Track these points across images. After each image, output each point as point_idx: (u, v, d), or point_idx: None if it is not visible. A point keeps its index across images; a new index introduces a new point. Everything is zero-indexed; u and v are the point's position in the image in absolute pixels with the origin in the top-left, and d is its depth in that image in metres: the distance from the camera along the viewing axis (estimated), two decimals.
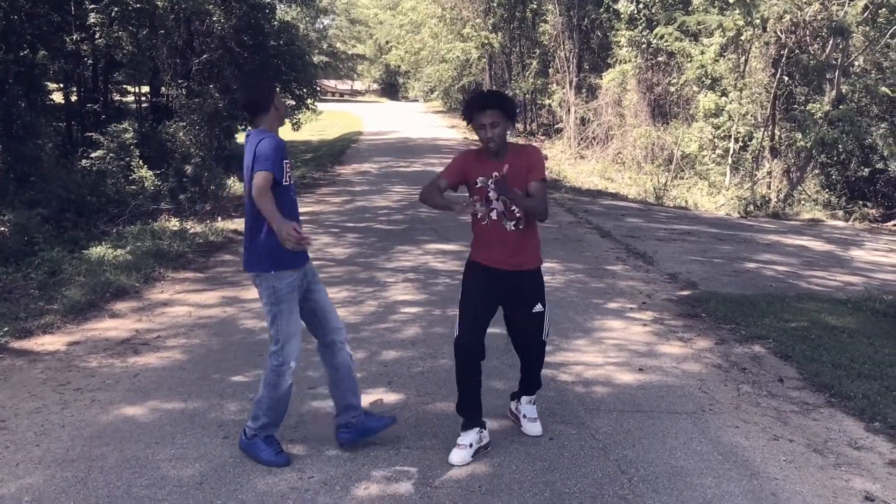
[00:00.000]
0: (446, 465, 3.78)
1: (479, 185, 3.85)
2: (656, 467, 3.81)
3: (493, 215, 3.86)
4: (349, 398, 3.90)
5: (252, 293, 6.59)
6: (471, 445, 3.86)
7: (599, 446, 4.03)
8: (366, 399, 4.43)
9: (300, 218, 3.85)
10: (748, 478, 3.72)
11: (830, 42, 17.05)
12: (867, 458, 4.00)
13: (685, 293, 7.40)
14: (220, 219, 10.95)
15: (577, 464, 3.83)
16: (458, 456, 3.83)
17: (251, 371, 5.02)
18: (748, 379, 5.12)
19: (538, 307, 3.94)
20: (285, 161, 3.64)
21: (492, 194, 3.83)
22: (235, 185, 13.21)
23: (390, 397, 4.63)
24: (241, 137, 17.26)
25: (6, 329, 5.69)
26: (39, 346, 5.51)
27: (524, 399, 4.20)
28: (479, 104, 3.80)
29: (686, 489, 3.60)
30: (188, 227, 9.92)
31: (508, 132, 3.89)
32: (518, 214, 3.86)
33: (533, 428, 4.15)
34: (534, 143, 25.89)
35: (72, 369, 5.05)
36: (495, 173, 3.79)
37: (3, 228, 8.35)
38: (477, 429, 3.91)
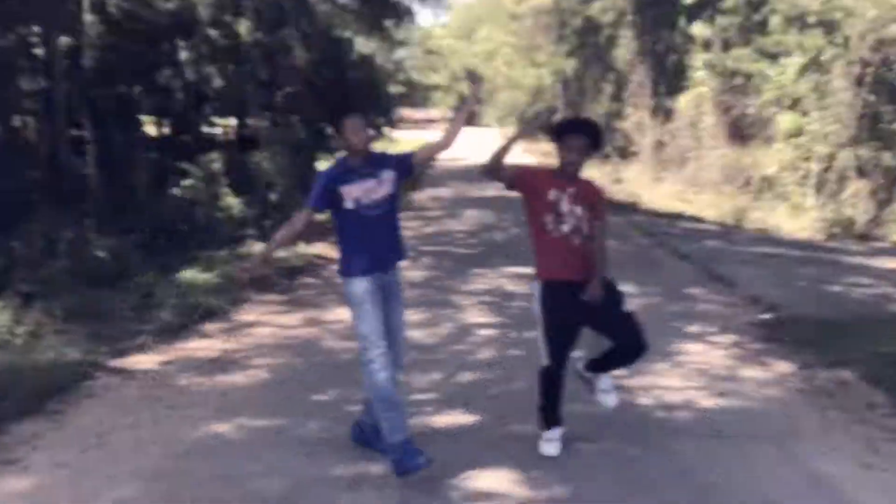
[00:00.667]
0: (523, 487, 3.80)
1: (551, 198, 3.96)
2: (741, 494, 3.72)
3: (565, 228, 3.95)
4: (371, 408, 4.05)
5: (333, 315, 6.79)
6: (558, 439, 4.13)
7: (679, 470, 3.97)
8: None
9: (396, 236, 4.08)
10: None
11: None
12: None
13: (766, 316, 7.20)
14: (302, 244, 11.26)
15: (657, 488, 3.78)
16: (552, 448, 4.11)
17: (333, 390, 5.15)
18: (835, 405, 4.95)
19: (626, 307, 4.02)
20: (345, 188, 3.88)
21: (563, 207, 3.93)
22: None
23: (467, 419, 4.68)
24: (323, 165, 17.80)
25: (104, 349, 5.97)
26: (134, 365, 5.76)
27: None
28: (572, 126, 4.08)
29: None
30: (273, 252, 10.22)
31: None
32: (586, 232, 3.96)
33: (609, 399, 4.21)
34: (610, 166, 25.71)
35: (163, 387, 5.27)
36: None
37: (102, 254, 8.79)
38: (561, 426, 4.16)
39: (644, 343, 3.95)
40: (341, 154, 4.10)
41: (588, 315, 3.94)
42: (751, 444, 4.30)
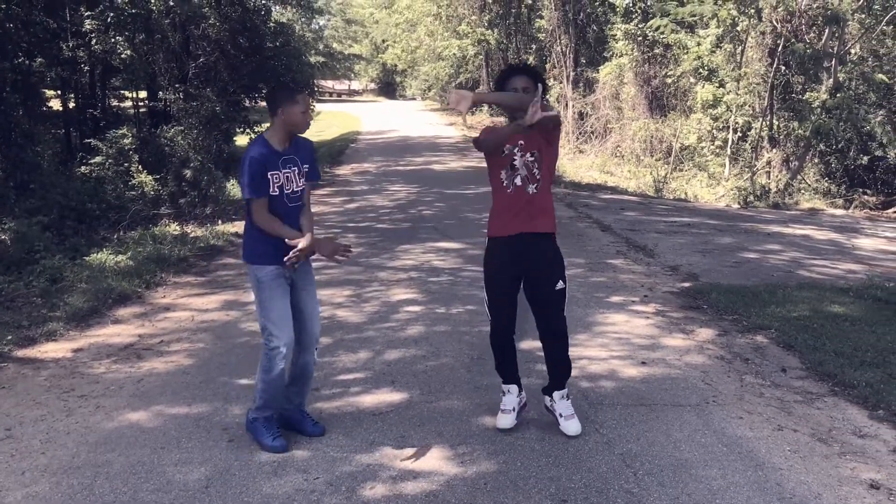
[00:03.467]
0: (451, 464, 3.79)
1: (505, 153, 3.98)
2: (661, 460, 3.81)
3: (518, 181, 3.97)
4: (292, 394, 4.13)
5: (253, 296, 6.60)
6: (513, 409, 4.14)
7: (604, 441, 4.03)
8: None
9: (311, 218, 4.03)
10: (753, 468, 3.73)
11: (826, 30, 17.03)
12: (872, 446, 4.01)
13: (686, 285, 7.41)
14: (220, 222, 10.94)
15: (581, 459, 3.83)
16: (505, 420, 4.12)
17: (255, 374, 5.01)
18: (751, 370, 5.12)
19: (560, 284, 4.04)
20: (271, 173, 3.79)
21: (517, 161, 3.94)
22: (235, 189, 13.19)
23: (394, 397, 4.64)
24: (240, 140, 17.33)
25: (9, 337, 5.70)
26: (43, 354, 5.52)
27: (556, 395, 4.14)
28: (511, 71, 4.03)
29: (691, 481, 3.60)
30: (189, 232, 9.92)
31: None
32: (539, 177, 3.97)
33: (570, 426, 4.08)
34: None
35: (76, 376, 5.06)
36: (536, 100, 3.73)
37: (3, 237, 8.35)
38: (516, 392, 4.16)
39: (563, 324, 4.04)
40: (265, 131, 3.90)
41: (527, 274, 4.02)
42: (671, 412, 4.40)
